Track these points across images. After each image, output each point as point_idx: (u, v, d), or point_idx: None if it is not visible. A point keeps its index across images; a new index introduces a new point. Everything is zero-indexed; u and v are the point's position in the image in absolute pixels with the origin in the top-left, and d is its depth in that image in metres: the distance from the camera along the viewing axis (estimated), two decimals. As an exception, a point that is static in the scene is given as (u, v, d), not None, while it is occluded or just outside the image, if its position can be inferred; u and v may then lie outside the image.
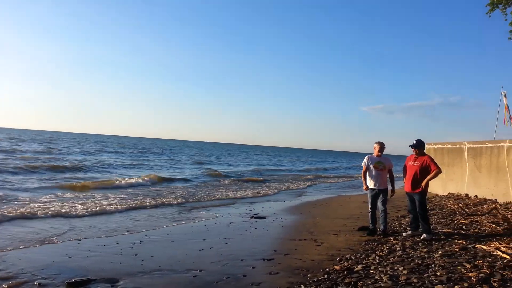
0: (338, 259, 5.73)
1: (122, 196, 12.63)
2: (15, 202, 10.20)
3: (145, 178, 18.17)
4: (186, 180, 20.36)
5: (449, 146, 14.30)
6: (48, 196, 11.58)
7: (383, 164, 7.35)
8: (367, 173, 7.46)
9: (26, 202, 10.27)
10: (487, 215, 8.47)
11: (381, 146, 7.46)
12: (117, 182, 16.50)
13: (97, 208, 10.00)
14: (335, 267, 5.21)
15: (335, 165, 54.64)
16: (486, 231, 7.12)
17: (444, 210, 10.04)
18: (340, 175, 34.24)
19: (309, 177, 28.46)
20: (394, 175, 7.57)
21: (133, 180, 17.37)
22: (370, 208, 7.47)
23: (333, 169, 44.90)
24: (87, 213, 9.37)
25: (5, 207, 9.33)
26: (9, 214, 8.48)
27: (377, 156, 7.46)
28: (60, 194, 12.41)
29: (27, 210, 9.06)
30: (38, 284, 4.62)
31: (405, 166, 7.29)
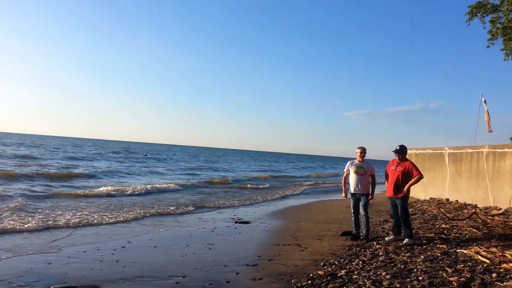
0: (322, 264, 5.73)
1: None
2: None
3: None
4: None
5: (430, 151, 14.53)
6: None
7: (364, 169, 7.40)
8: (349, 178, 7.52)
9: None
10: (467, 220, 8.61)
11: (363, 151, 7.52)
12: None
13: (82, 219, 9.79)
14: (319, 272, 5.22)
15: (319, 170, 54.95)
16: (467, 236, 7.23)
17: (425, 215, 10.17)
18: (324, 180, 34.40)
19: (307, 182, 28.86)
20: (376, 180, 7.63)
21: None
22: (353, 212, 7.51)
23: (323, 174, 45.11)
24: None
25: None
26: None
27: (359, 161, 7.51)
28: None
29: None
30: (15, 292, 4.50)
31: (387, 171, 7.36)
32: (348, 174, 7.56)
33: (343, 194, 7.70)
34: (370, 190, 7.47)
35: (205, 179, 24.76)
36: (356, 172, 7.39)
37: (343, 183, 7.74)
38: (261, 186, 22.41)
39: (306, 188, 23.80)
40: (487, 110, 13.67)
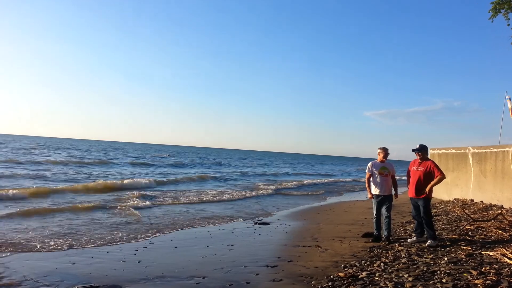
0: (342, 265, 5.68)
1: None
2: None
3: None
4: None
5: (453, 151, 14.22)
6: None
7: (388, 169, 7.31)
8: (371, 180, 7.41)
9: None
10: (493, 221, 8.39)
11: (385, 152, 7.42)
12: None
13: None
14: (340, 274, 5.17)
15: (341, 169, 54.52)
16: (492, 237, 7.04)
17: (449, 216, 9.96)
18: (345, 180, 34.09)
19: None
20: (396, 180, 7.53)
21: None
22: (375, 214, 7.40)
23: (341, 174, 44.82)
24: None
25: None
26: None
27: (381, 161, 7.42)
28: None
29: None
30: (40, 291, 4.61)
31: (408, 171, 7.24)
32: (370, 175, 7.45)
33: (369, 195, 7.50)
34: (393, 191, 7.37)
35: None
36: (380, 173, 7.29)
37: (367, 184, 7.59)
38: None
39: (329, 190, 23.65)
40: (511, 108, 13.28)
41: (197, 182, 22.34)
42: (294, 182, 25.57)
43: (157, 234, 8.15)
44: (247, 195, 16.85)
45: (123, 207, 11.30)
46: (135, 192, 14.99)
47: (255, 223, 9.86)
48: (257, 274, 5.38)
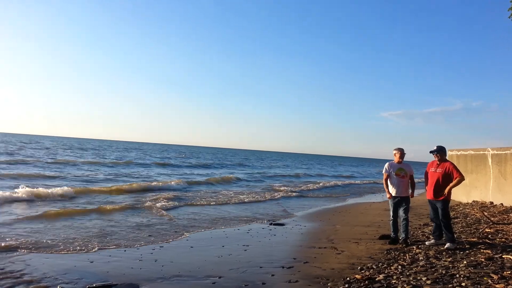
0: (359, 268, 5.63)
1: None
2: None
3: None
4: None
5: (472, 152, 13.96)
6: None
7: (405, 171, 7.22)
8: (389, 181, 7.33)
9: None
10: (513, 224, 8.21)
11: (402, 152, 7.34)
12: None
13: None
14: (356, 276, 5.12)
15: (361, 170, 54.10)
16: (513, 241, 6.89)
17: (468, 219, 9.78)
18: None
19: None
20: (415, 181, 7.42)
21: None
22: (392, 216, 7.32)
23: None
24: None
25: None
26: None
27: (398, 162, 7.33)
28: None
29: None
30: (60, 289, 4.69)
31: (426, 173, 7.14)
32: (388, 176, 7.37)
33: (388, 195, 7.39)
34: (410, 191, 7.28)
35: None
36: (397, 175, 7.21)
37: (384, 185, 7.50)
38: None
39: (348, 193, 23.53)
40: None
41: (223, 184, 22.39)
42: (320, 183, 25.88)
43: (185, 234, 8.22)
44: (270, 196, 16.75)
45: (151, 207, 11.46)
46: (166, 193, 15.08)
47: (270, 224, 9.85)
48: (272, 275, 5.37)
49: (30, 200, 11.65)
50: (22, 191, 11.91)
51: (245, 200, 15.04)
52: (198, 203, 13.45)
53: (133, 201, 12.82)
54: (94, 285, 4.79)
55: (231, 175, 26.82)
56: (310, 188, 22.82)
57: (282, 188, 21.16)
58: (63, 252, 6.41)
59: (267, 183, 24.77)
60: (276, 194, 17.90)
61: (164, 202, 12.70)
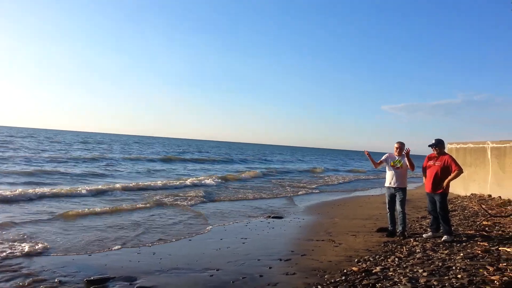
0: (356, 260, 5.66)
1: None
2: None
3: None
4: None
5: (471, 145, 13.97)
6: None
7: (401, 162, 7.23)
8: (386, 172, 7.41)
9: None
10: (511, 217, 8.23)
11: (401, 145, 7.35)
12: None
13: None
14: (353, 268, 5.15)
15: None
16: (510, 233, 6.92)
17: (466, 211, 9.81)
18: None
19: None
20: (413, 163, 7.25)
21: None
22: (388, 208, 7.37)
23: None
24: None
25: None
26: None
27: (398, 155, 7.36)
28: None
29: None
30: (58, 282, 4.71)
31: (424, 166, 7.15)
32: (381, 162, 7.45)
33: (366, 152, 7.67)
34: (407, 184, 7.33)
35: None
36: (392, 166, 7.26)
37: (373, 161, 7.59)
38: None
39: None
40: None
41: (253, 179, 22.27)
42: (340, 179, 26.44)
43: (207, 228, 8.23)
44: (291, 193, 16.41)
45: (179, 205, 11.17)
46: (196, 190, 14.82)
47: (269, 217, 9.87)
48: (270, 268, 5.40)
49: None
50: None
51: (264, 196, 14.80)
52: (223, 199, 13.37)
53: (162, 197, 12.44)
54: (92, 278, 4.81)
55: (256, 171, 27.02)
56: (332, 183, 23.14)
57: (306, 185, 20.83)
58: (65, 245, 6.44)
59: (290, 178, 24.93)
60: (300, 190, 17.50)
61: (192, 200, 12.33)
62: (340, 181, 24.30)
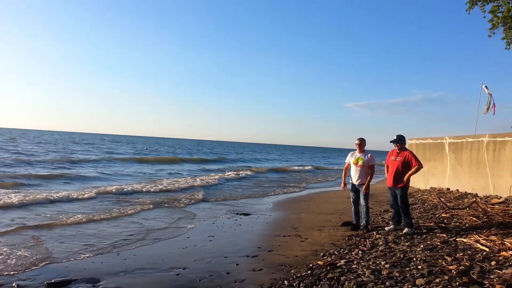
0: (321, 254, 5.76)
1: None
2: None
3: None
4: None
5: (430, 141, 14.51)
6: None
7: (362, 160, 7.39)
8: (350, 169, 7.56)
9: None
10: (467, 209, 8.62)
11: (361, 142, 7.51)
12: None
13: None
14: (319, 262, 5.24)
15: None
16: (467, 225, 7.24)
17: (426, 204, 10.18)
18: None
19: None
20: (374, 171, 7.57)
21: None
22: (352, 202, 7.55)
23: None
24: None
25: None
26: None
27: (359, 152, 7.51)
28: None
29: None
30: (16, 286, 4.51)
31: (386, 161, 7.36)
32: (348, 165, 7.60)
33: (342, 186, 7.72)
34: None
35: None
36: (354, 163, 7.42)
37: (343, 174, 7.79)
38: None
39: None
40: (490, 93, 13.66)
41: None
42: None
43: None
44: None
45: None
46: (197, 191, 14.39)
47: (236, 214, 9.87)
48: (237, 264, 5.40)
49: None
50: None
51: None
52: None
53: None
54: (53, 280, 4.64)
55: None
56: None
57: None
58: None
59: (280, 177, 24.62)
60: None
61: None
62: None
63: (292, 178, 23.63)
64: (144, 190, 13.83)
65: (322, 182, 22.44)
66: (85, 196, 11.58)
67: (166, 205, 10.94)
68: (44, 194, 11.25)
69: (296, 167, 34.09)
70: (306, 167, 35.16)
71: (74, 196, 11.36)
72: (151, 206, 10.52)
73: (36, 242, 6.45)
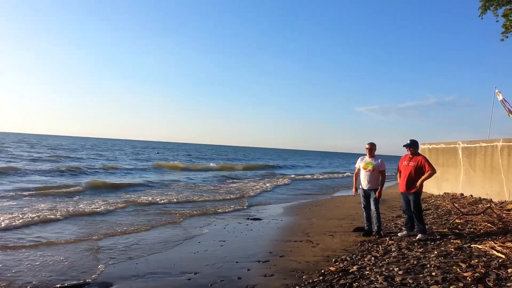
0: (333, 260, 5.71)
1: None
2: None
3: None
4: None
5: (443, 146, 14.34)
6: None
7: (372, 164, 7.32)
8: (359, 174, 7.50)
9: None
10: (482, 215, 8.48)
11: (371, 146, 7.44)
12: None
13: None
14: (331, 268, 5.19)
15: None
16: (481, 231, 7.12)
17: (439, 210, 10.05)
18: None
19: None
20: (385, 176, 7.52)
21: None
22: (363, 208, 7.48)
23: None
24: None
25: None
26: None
27: (369, 157, 7.45)
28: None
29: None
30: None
31: (399, 166, 7.28)
32: (359, 170, 7.53)
33: (353, 190, 7.64)
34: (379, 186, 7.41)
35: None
36: (364, 168, 7.35)
37: (354, 179, 7.71)
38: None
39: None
40: (504, 99, 13.46)
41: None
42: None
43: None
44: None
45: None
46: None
47: (247, 219, 9.86)
48: (248, 270, 5.38)
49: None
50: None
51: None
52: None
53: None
54: (66, 284, 4.68)
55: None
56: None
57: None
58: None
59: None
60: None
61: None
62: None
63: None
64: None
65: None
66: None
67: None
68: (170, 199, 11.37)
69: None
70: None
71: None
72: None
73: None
